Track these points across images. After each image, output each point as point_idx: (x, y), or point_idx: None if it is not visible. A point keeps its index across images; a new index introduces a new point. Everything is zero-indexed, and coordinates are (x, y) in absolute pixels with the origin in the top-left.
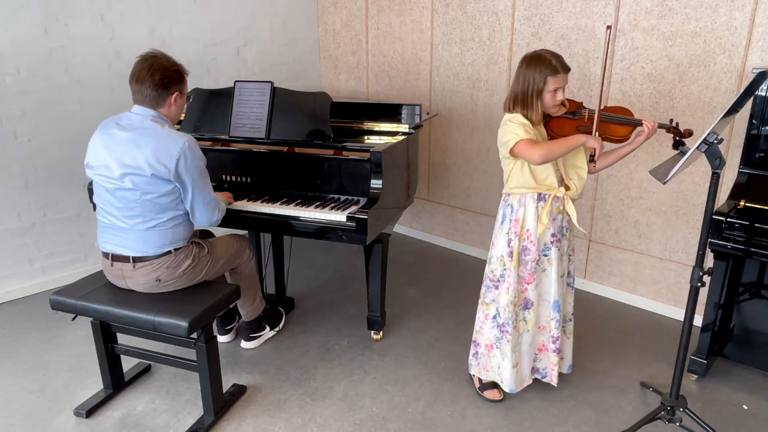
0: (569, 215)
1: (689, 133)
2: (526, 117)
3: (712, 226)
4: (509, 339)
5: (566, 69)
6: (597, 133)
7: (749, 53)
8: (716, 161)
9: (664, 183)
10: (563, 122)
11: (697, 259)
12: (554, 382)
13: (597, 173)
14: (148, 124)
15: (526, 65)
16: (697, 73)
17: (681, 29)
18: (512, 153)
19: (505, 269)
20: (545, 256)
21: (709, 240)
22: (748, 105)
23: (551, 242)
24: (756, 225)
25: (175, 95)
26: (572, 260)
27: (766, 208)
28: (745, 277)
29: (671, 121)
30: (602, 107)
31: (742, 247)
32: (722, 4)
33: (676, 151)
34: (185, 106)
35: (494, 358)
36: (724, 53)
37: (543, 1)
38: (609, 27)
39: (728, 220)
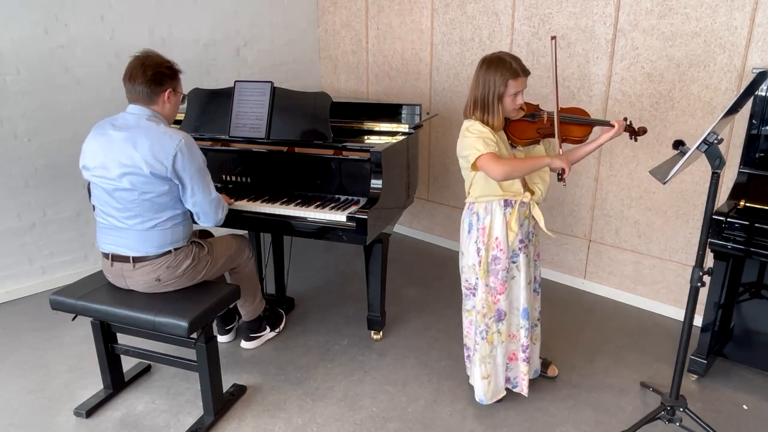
0: (535, 220)
1: (643, 131)
2: (486, 122)
3: (712, 226)
4: (478, 349)
5: (526, 72)
6: (561, 144)
7: (749, 53)
8: (716, 161)
9: (664, 183)
10: (523, 125)
11: (697, 259)
12: (525, 392)
13: (597, 173)
14: (144, 123)
15: (485, 68)
16: (697, 73)
17: (681, 29)
18: (474, 167)
19: (477, 278)
20: (514, 263)
21: (709, 240)
22: (748, 105)
23: (519, 248)
24: (756, 225)
25: (168, 92)
26: (537, 265)
27: (766, 208)
28: (745, 277)
29: (625, 119)
30: (559, 108)
31: (742, 247)
32: (722, 4)
33: (676, 151)
34: (180, 106)
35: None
36: (724, 53)
37: (543, 1)
38: (554, 37)
39: (728, 220)
